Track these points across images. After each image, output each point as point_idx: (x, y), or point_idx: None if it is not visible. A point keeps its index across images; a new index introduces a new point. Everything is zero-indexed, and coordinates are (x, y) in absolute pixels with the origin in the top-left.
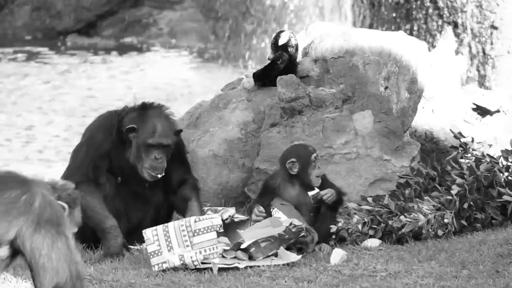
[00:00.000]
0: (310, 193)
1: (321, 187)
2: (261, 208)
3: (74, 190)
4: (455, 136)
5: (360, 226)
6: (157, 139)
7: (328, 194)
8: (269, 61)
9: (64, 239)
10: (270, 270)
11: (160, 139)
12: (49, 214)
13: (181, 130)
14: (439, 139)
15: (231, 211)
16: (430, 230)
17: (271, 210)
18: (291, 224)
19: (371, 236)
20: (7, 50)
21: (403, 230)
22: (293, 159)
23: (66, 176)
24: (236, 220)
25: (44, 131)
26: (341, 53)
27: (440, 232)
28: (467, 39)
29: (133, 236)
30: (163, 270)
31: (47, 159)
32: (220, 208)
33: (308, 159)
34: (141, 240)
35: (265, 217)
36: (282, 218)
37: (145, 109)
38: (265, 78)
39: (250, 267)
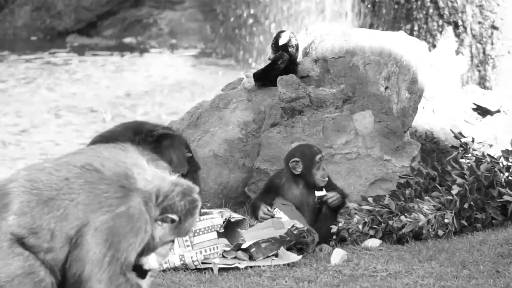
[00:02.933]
0: (318, 193)
1: (325, 188)
2: (269, 208)
3: (193, 199)
4: (455, 136)
5: (360, 226)
6: (173, 169)
7: (333, 198)
8: (269, 61)
9: (106, 250)
10: (270, 270)
11: (176, 169)
12: (119, 224)
13: (192, 157)
14: (440, 139)
15: (226, 213)
16: (430, 230)
17: (273, 209)
18: (293, 226)
19: (371, 236)
20: (7, 50)
21: (403, 230)
22: (297, 159)
23: None
24: (233, 220)
25: (44, 130)
26: (342, 53)
27: (440, 232)
28: (467, 39)
29: None
30: (164, 270)
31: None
32: (216, 211)
33: (312, 160)
34: None
35: (271, 217)
36: (283, 219)
37: (160, 141)
38: (265, 78)
39: (251, 267)
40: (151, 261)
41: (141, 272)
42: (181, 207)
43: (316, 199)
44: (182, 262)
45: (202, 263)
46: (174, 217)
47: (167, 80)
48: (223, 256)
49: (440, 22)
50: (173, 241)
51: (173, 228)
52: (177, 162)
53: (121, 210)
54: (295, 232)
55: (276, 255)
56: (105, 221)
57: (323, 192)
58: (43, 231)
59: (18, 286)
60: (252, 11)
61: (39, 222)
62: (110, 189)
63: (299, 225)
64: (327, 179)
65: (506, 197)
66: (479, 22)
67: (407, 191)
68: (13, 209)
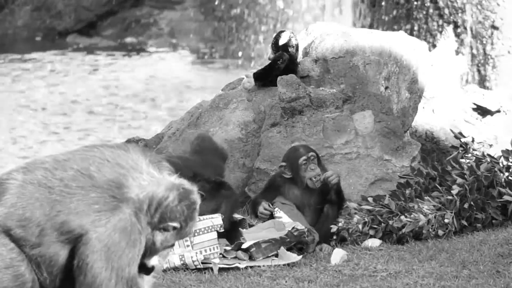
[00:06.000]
0: (313, 175)
1: (325, 189)
2: (269, 204)
3: (191, 202)
4: (455, 136)
5: (360, 226)
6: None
7: (330, 174)
8: (269, 61)
9: (110, 272)
10: (270, 270)
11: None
12: (114, 240)
13: (237, 222)
14: (440, 139)
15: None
16: (430, 230)
17: (273, 207)
18: (293, 228)
19: (371, 236)
20: (7, 50)
21: (403, 230)
22: (283, 163)
23: None
24: (232, 220)
25: (43, 130)
26: (342, 53)
27: (440, 232)
28: (467, 39)
29: None
30: (164, 270)
31: None
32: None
33: (296, 163)
34: None
35: (271, 213)
36: (283, 218)
37: (218, 187)
38: (265, 78)
39: (251, 267)
40: (153, 261)
41: (145, 269)
42: (180, 213)
43: (315, 183)
44: (182, 262)
45: (202, 263)
46: (176, 224)
47: (167, 80)
48: (223, 256)
49: (440, 22)
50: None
51: (175, 234)
52: (223, 211)
53: (112, 224)
54: (295, 233)
55: (276, 255)
56: (99, 240)
57: (318, 172)
58: (32, 225)
59: None
60: (252, 11)
61: (28, 216)
62: (100, 199)
63: (300, 226)
64: (319, 178)
65: (506, 197)
66: (479, 22)
67: (407, 191)
68: (3, 200)
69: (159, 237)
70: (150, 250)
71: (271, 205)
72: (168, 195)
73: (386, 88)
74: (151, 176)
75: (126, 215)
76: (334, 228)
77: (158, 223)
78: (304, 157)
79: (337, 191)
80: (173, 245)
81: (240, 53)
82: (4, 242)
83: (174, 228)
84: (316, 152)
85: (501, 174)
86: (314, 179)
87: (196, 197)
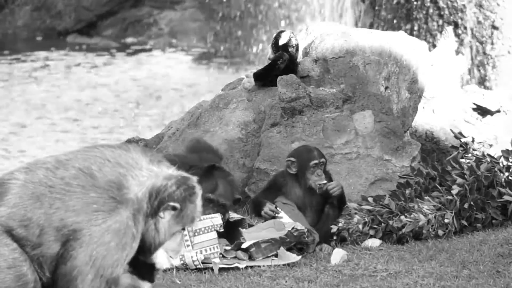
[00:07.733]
0: (318, 182)
1: (326, 193)
2: (276, 206)
3: (189, 186)
4: (455, 136)
5: (360, 226)
6: (216, 196)
7: (333, 185)
8: (269, 61)
9: (89, 267)
10: (270, 270)
11: (219, 197)
12: (104, 240)
13: (239, 199)
14: (440, 139)
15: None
16: (430, 230)
17: (278, 211)
18: (293, 228)
19: (371, 236)
20: (8, 50)
21: (403, 230)
22: (292, 159)
23: None
24: (232, 220)
25: (45, 131)
26: (342, 53)
27: (440, 232)
28: (467, 39)
29: None
30: (164, 270)
31: None
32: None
33: (306, 163)
34: None
35: (273, 216)
36: (284, 218)
37: (211, 170)
38: (265, 78)
39: (251, 267)
40: (160, 259)
41: (151, 271)
42: (178, 196)
43: (317, 189)
44: (182, 262)
45: (202, 263)
46: (175, 204)
47: (167, 80)
48: (223, 256)
49: (440, 22)
50: (181, 232)
51: (176, 217)
52: (221, 191)
53: (107, 225)
54: (295, 233)
55: (276, 255)
56: (91, 236)
57: (324, 181)
58: (33, 224)
59: None
60: (252, 11)
61: (29, 215)
62: (99, 199)
63: (300, 226)
64: (322, 185)
65: (506, 197)
66: (479, 22)
67: (407, 191)
68: (6, 200)
69: (160, 224)
70: (154, 241)
71: (274, 210)
72: (166, 183)
73: (386, 88)
74: (150, 171)
75: (123, 218)
76: (334, 228)
77: (157, 208)
78: (316, 161)
79: (339, 199)
80: (179, 233)
81: (240, 53)
82: (7, 242)
83: (174, 208)
84: (325, 158)
85: (501, 174)
86: (317, 184)
87: (196, 184)
